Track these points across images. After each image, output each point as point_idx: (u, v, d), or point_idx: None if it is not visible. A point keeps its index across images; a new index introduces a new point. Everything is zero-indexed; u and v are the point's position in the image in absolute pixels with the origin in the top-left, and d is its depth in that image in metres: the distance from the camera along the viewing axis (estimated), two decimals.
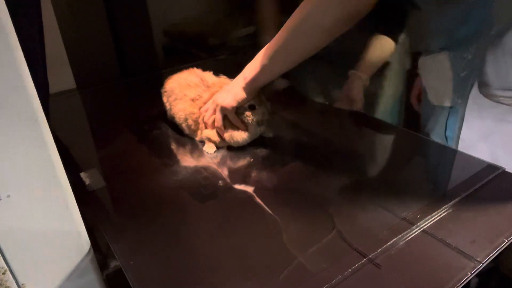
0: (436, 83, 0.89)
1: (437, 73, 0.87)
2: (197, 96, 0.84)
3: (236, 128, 0.79)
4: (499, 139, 0.78)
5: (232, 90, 0.77)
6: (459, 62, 0.82)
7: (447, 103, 0.87)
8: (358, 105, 0.97)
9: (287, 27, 0.69)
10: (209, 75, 0.88)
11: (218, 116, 0.79)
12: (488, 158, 0.72)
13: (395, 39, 0.98)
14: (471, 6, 0.78)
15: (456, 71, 0.84)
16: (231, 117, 0.78)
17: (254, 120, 0.78)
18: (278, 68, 0.73)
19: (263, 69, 0.72)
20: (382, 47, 0.98)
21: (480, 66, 0.77)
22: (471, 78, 0.81)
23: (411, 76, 1.07)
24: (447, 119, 0.89)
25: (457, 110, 0.86)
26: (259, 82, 0.74)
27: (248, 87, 0.75)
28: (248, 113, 0.78)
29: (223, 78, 0.86)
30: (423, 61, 0.90)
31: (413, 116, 1.07)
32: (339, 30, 0.66)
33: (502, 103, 0.75)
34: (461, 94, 0.84)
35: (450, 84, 0.85)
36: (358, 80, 0.97)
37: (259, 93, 0.78)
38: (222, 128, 0.79)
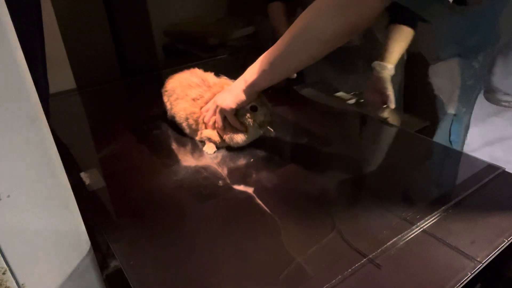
0: (448, 90, 0.89)
1: (449, 80, 0.88)
2: (199, 96, 0.84)
3: (236, 129, 0.79)
4: (507, 143, 0.78)
5: (232, 92, 0.77)
6: (467, 70, 0.83)
7: (452, 110, 0.88)
8: (389, 96, 0.97)
9: (288, 36, 0.69)
10: (210, 76, 0.88)
11: (218, 117, 0.79)
12: (493, 161, 0.71)
13: (413, 27, 1.00)
14: (479, 17, 0.78)
15: (464, 79, 0.84)
16: (230, 119, 0.78)
17: (256, 121, 0.78)
18: (277, 74, 0.73)
19: (263, 74, 0.72)
20: (403, 35, 1.00)
21: (486, 75, 0.77)
22: (476, 87, 0.81)
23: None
24: (450, 126, 0.89)
25: (461, 118, 0.87)
26: (258, 86, 0.75)
27: (248, 90, 0.75)
28: (249, 114, 0.78)
29: (224, 79, 0.86)
30: (434, 69, 0.90)
31: (411, 103, 1.08)
32: (338, 42, 0.66)
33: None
34: (465, 102, 0.84)
35: (457, 91, 0.86)
36: (384, 70, 0.98)
37: (260, 95, 0.78)
38: (222, 129, 0.79)
